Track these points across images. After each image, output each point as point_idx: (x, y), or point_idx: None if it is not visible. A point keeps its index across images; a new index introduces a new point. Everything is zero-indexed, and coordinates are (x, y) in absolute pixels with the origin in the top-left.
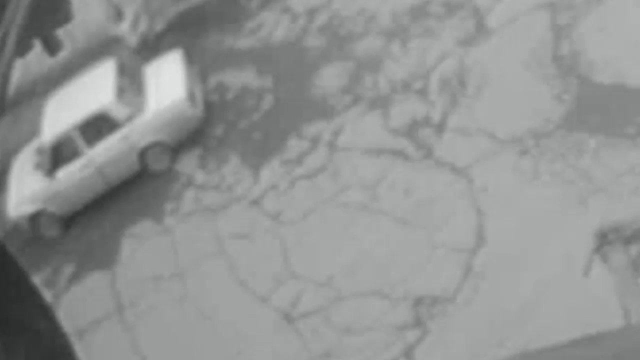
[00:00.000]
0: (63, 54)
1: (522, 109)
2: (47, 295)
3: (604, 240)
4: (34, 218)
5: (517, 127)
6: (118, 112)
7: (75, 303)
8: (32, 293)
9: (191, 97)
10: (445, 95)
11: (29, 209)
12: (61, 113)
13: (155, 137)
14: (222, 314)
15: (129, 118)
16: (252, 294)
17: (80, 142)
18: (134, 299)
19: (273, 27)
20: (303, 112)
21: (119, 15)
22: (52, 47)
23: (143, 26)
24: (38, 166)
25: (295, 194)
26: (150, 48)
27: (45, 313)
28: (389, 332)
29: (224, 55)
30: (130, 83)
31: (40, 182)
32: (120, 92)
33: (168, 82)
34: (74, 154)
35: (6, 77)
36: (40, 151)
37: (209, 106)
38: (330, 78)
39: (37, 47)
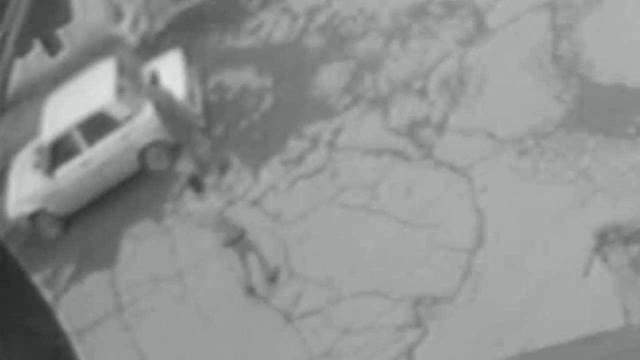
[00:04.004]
0: (63, 54)
1: (522, 109)
2: (47, 295)
3: (604, 240)
4: (34, 218)
5: (517, 127)
6: (118, 111)
7: (75, 303)
8: (32, 293)
9: (191, 96)
10: (445, 95)
11: (28, 208)
12: (61, 112)
13: (155, 136)
14: (222, 314)
15: (129, 117)
16: (252, 294)
17: (80, 141)
18: (133, 299)
19: (273, 27)
20: (303, 112)
21: (119, 15)
22: (52, 47)
23: (143, 26)
24: (38, 165)
25: (295, 194)
26: (150, 48)
27: (45, 313)
28: (389, 332)
29: (224, 55)
30: (130, 83)
31: (40, 182)
32: (120, 91)
33: (167, 81)
34: (74, 153)
35: (6, 77)
36: (40, 150)
37: (209, 106)
38: (330, 78)
39: (37, 47)
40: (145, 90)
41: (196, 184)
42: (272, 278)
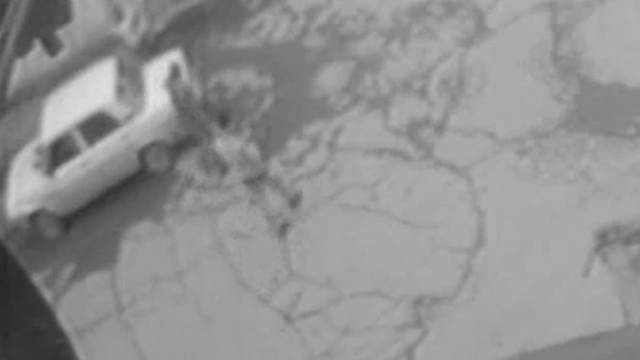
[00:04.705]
0: (63, 54)
1: (522, 109)
2: (47, 295)
3: (604, 240)
4: (34, 218)
5: (517, 127)
6: (117, 111)
7: (75, 303)
8: (32, 293)
9: None
10: (445, 95)
11: (28, 208)
12: (61, 112)
13: (155, 136)
14: (222, 314)
15: (129, 117)
16: (252, 294)
17: (80, 141)
18: (133, 299)
19: (273, 27)
20: (303, 112)
21: (119, 15)
22: (52, 47)
23: (143, 26)
24: (38, 165)
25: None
26: (150, 48)
27: (45, 313)
28: (389, 332)
29: (224, 55)
30: (130, 83)
31: (40, 182)
32: (120, 91)
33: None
34: (74, 153)
35: (6, 77)
36: (40, 150)
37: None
38: (330, 78)
39: (37, 47)
40: (164, 82)
41: (223, 120)
42: (294, 202)
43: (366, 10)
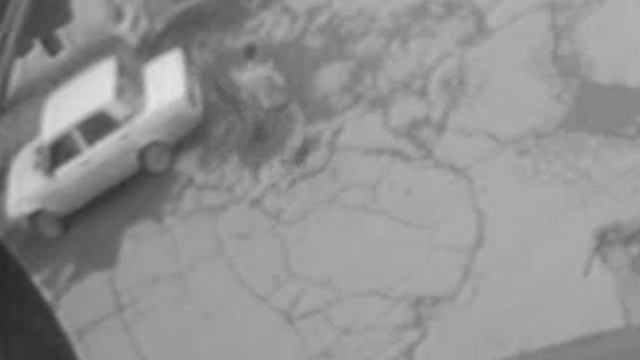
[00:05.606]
0: (63, 54)
1: (522, 109)
2: (47, 295)
3: (604, 240)
4: (34, 218)
5: (517, 127)
6: (117, 111)
7: (75, 303)
8: (32, 293)
9: (191, 96)
10: (445, 95)
11: (28, 208)
12: (61, 112)
13: (155, 136)
14: (222, 314)
15: (129, 117)
16: (252, 294)
17: (80, 141)
18: (134, 299)
19: (273, 27)
20: (303, 112)
21: (119, 15)
22: (52, 47)
23: (143, 26)
24: (38, 165)
25: (295, 194)
26: (150, 48)
27: (45, 313)
28: (389, 332)
29: (224, 55)
30: (130, 83)
31: (40, 182)
32: (120, 91)
33: (168, 81)
34: (74, 153)
35: (6, 77)
36: (40, 150)
37: (209, 106)
38: (330, 78)
39: (37, 47)
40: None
41: (250, 51)
42: (304, 151)
43: (366, 10)
